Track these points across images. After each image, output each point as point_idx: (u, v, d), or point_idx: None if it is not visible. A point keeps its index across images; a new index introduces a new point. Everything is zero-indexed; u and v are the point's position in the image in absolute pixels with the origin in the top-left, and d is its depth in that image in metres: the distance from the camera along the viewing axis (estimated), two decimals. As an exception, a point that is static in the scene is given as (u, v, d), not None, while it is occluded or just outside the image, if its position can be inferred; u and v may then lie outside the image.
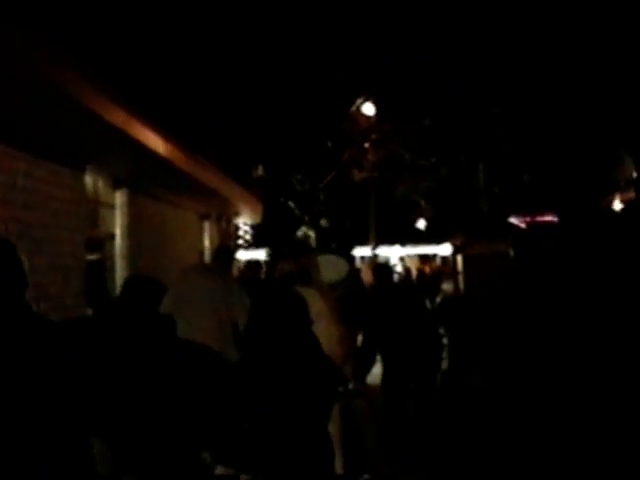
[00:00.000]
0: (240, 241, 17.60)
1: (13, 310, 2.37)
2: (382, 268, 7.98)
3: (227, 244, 12.61)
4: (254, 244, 18.15)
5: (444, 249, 26.18)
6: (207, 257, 13.46)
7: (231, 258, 6.49)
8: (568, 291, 9.68)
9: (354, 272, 8.05)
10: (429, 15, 19.58)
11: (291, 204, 23.83)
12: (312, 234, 23.04)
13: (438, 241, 41.15)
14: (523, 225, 38.21)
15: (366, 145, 23.20)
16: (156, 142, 8.18)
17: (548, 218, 36.42)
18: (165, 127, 8.22)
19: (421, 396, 6.79)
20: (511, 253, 14.20)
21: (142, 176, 8.67)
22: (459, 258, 18.79)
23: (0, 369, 2.27)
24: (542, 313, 9.29)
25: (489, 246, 15.18)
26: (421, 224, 43.29)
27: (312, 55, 21.08)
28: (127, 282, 3.77)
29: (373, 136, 21.93)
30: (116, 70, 7.15)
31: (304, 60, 20.92)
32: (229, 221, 15.29)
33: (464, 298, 9.86)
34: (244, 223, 17.62)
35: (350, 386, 5.67)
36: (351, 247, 24.47)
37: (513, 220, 37.87)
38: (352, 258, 23.13)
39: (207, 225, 13.47)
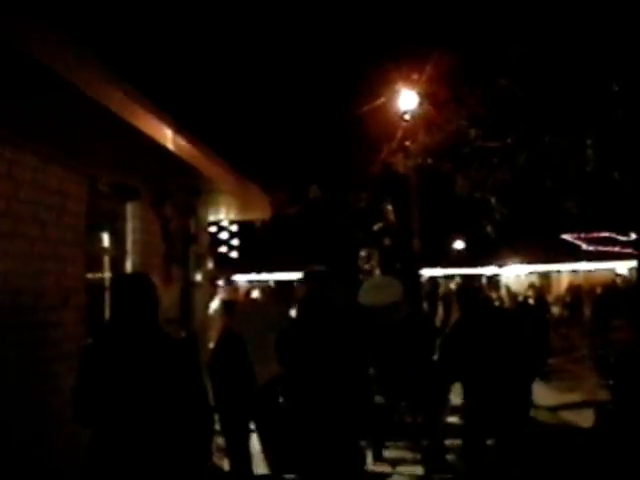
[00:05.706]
0: (223, 249, 11.44)
1: (150, 329, 3.77)
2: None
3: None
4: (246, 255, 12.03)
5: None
6: (129, 264, 7.34)
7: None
8: None
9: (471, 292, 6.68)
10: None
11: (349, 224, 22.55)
12: (375, 254, 19.76)
13: (481, 262, 36.05)
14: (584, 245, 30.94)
15: (407, 143, 17.55)
16: None
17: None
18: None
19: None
20: None
21: None
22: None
23: (138, 370, 3.65)
24: None
25: None
26: (458, 245, 38.52)
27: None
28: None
29: (423, 106, 15.73)
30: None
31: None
32: (190, 211, 9.03)
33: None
34: (229, 222, 11.49)
35: None
36: (419, 266, 19.80)
37: (566, 237, 30.61)
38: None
39: (130, 210, 7.34)
